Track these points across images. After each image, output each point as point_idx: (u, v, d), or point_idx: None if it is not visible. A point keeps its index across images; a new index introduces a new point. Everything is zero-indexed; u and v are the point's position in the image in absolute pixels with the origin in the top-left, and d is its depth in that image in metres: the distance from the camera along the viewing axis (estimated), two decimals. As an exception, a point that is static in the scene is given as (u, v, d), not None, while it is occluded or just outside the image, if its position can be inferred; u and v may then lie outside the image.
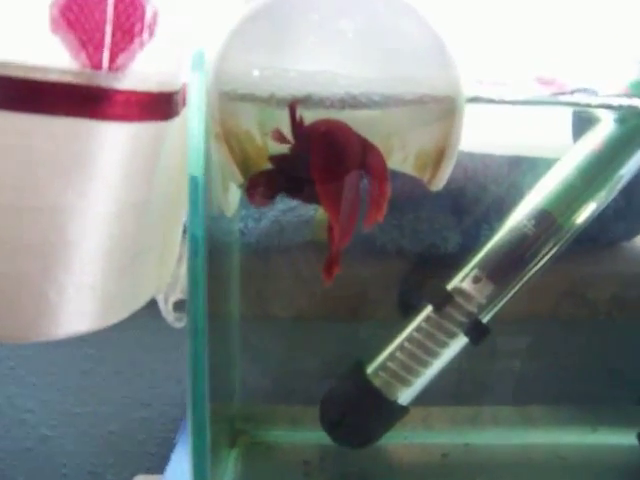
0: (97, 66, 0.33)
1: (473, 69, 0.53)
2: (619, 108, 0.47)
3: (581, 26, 0.57)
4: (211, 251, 0.47)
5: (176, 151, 0.41)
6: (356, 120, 0.42)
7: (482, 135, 0.55)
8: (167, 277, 0.46)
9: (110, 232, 0.37)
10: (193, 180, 0.39)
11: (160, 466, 0.59)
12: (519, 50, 0.56)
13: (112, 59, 0.33)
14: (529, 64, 0.55)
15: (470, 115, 0.49)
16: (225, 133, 0.41)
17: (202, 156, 0.39)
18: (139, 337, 0.70)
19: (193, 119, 0.39)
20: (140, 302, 0.43)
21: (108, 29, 0.32)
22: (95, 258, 0.36)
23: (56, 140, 0.32)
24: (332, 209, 0.39)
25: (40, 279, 0.35)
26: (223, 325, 0.54)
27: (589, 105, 0.48)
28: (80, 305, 0.37)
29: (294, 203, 0.57)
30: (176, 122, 0.40)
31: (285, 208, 0.57)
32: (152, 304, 0.55)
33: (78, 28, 0.31)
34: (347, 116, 0.42)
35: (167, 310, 0.50)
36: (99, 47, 0.32)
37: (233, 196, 0.48)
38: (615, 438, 0.59)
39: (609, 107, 0.48)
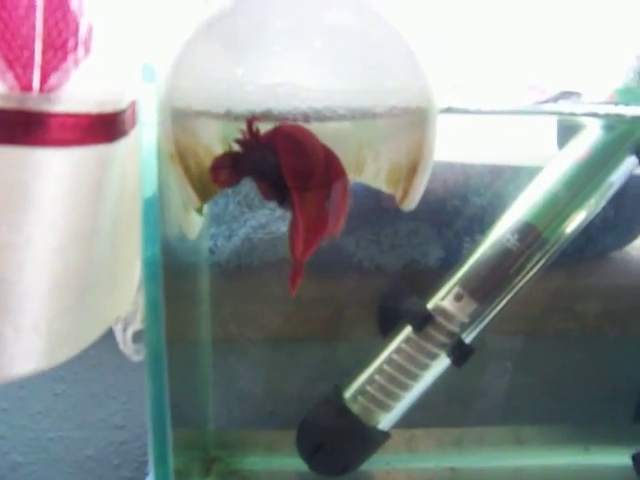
0: (27, 88, 0.30)
1: (459, 75, 0.50)
2: (604, 116, 0.45)
3: (569, 32, 0.54)
4: (175, 272, 0.45)
5: (127, 174, 0.38)
6: (326, 131, 0.40)
7: (462, 144, 0.52)
8: (124, 306, 0.43)
9: (52, 268, 0.34)
10: (146, 201, 0.36)
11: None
12: (506, 56, 0.53)
13: (43, 79, 0.30)
14: (516, 70, 0.52)
15: (449, 123, 0.47)
16: (180, 152, 0.38)
17: (155, 174, 0.36)
18: (112, 358, 0.67)
19: (145, 137, 0.36)
20: (91, 338, 0.40)
21: (38, 46, 0.29)
22: (36, 297, 0.33)
23: (-16, 170, 0.30)
24: (300, 210, 0.36)
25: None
26: (191, 348, 0.52)
27: (571, 114, 0.45)
28: (22, 347, 0.34)
29: (265, 220, 0.54)
30: (126, 143, 0.37)
31: (256, 225, 0.54)
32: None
33: (3, 46, 0.28)
34: (316, 127, 0.39)
35: (125, 341, 0.47)
36: (28, 66, 0.29)
37: (196, 218, 0.46)
38: (608, 458, 0.57)
39: (593, 115, 0.45)
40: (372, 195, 0.53)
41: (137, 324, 0.46)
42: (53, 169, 0.31)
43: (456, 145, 0.52)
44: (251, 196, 0.55)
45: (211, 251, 0.55)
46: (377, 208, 0.53)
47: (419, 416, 0.53)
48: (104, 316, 0.41)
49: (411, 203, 0.38)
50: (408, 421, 0.52)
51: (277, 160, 0.36)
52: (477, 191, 0.55)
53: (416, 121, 0.39)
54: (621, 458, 0.55)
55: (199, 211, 0.39)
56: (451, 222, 0.55)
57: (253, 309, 0.56)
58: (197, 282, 0.53)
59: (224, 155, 0.36)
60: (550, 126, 0.51)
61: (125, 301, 0.42)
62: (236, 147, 0.37)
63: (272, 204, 0.54)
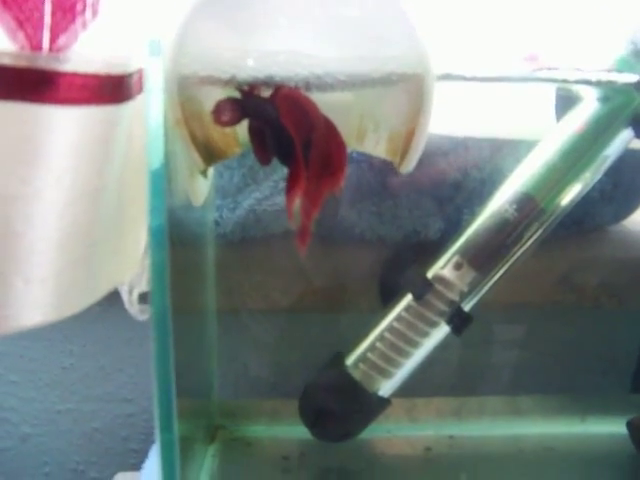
0: (37, 47, 0.31)
1: (457, 48, 0.51)
2: (601, 84, 0.45)
3: (569, 3, 0.55)
4: (181, 242, 0.46)
5: (134, 138, 0.39)
6: (328, 103, 0.41)
7: (462, 117, 0.53)
8: (131, 268, 0.45)
9: (60, 222, 0.35)
10: (152, 170, 0.37)
11: (144, 463, 0.58)
12: (507, 28, 0.54)
13: (53, 40, 0.31)
14: (516, 42, 0.53)
15: (450, 96, 0.48)
16: (186, 117, 0.40)
17: (162, 145, 0.37)
18: (120, 331, 0.68)
19: (151, 106, 0.37)
20: (98, 294, 0.41)
21: (47, 8, 0.31)
22: (44, 249, 0.35)
23: (-4, 125, 0.31)
24: (301, 162, 0.38)
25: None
26: (197, 319, 0.53)
27: (566, 81, 0.46)
28: (30, 298, 0.35)
29: (269, 192, 0.56)
30: (133, 107, 0.38)
31: (261, 197, 0.55)
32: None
33: (14, 8, 0.30)
34: (318, 98, 0.40)
35: (130, 301, 0.48)
36: (38, 27, 0.31)
37: (202, 185, 0.47)
38: (604, 427, 0.58)
39: (589, 83, 0.46)
40: (374, 168, 0.55)
41: (143, 286, 0.47)
42: (62, 126, 0.33)
43: (457, 118, 0.53)
44: (256, 169, 0.56)
45: (216, 223, 0.56)
46: (379, 180, 0.54)
47: (420, 386, 0.54)
48: (111, 274, 0.42)
49: (408, 166, 0.39)
50: (410, 391, 0.53)
51: (277, 113, 0.37)
52: (477, 164, 0.56)
53: (413, 88, 0.40)
54: (617, 427, 0.56)
55: (204, 174, 0.40)
56: (451, 195, 0.56)
57: (257, 280, 0.57)
58: (202, 253, 0.54)
59: (227, 98, 0.37)
60: (549, 99, 0.52)
61: (132, 263, 0.44)
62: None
63: (276, 176, 0.55)
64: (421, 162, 0.50)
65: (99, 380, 0.70)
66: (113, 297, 0.65)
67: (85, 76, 0.33)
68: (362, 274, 0.57)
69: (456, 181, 0.56)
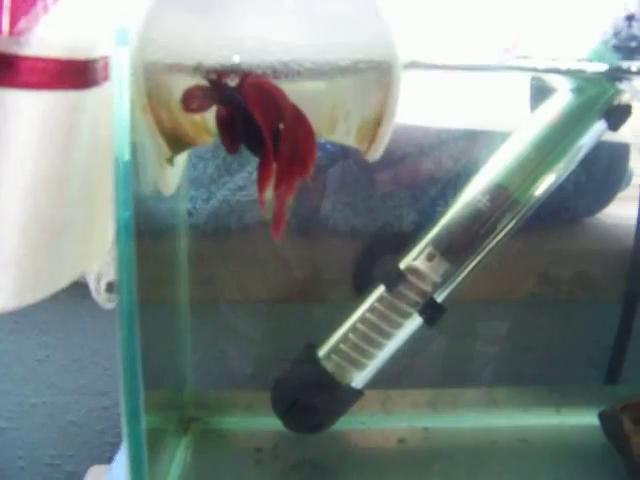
0: (-4, 30, 0.31)
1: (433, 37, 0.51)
2: (572, 72, 0.45)
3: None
4: (152, 233, 0.46)
5: (101, 126, 0.39)
6: (299, 93, 0.41)
7: (436, 108, 0.53)
8: (99, 256, 0.44)
9: (22, 207, 0.34)
10: (118, 160, 0.37)
11: (117, 456, 0.58)
12: (481, 17, 0.54)
13: (13, 23, 0.31)
14: (493, 32, 0.53)
15: (423, 87, 0.48)
16: (153, 105, 0.39)
17: (128, 134, 0.37)
18: (95, 324, 0.68)
19: (117, 95, 0.37)
20: (62, 282, 0.40)
21: (7, -9, 0.30)
22: (6, 235, 0.34)
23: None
24: (271, 149, 0.38)
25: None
26: (168, 310, 0.52)
27: (537, 69, 0.45)
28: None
29: (243, 182, 0.55)
30: (99, 95, 0.38)
31: (234, 187, 0.55)
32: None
33: (-28, -11, 0.29)
34: (289, 88, 0.40)
35: (97, 290, 0.48)
36: (-3, 10, 0.30)
37: (172, 175, 0.46)
38: (579, 419, 0.58)
39: (560, 72, 0.46)
40: (348, 159, 0.55)
41: (110, 276, 0.47)
42: (23, 111, 0.32)
43: (431, 109, 0.53)
44: (229, 160, 0.56)
45: (189, 213, 0.55)
46: (353, 172, 0.54)
47: (395, 378, 0.54)
48: (77, 262, 0.42)
49: (375, 154, 0.39)
50: (384, 383, 0.53)
51: (245, 101, 0.37)
52: (451, 155, 0.56)
53: (381, 75, 0.40)
54: (591, 419, 0.56)
55: (170, 161, 0.40)
56: (425, 186, 0.56)
57: (231, 271, 0.57)
58: (174, 244, 0.54)
59: (195, 86, 0.37)
60: (524, 90, 0.52)
61: (99, 251, 0.43)
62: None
63: (250, 167, 0.55)
64: (394, 153, 0.50)
65: (74, 373, 0.70)
66: (87, 289, 0.65)
67: (46, 60, 0.33)
68: (336, 265, 0.56)
69: (430, 173, 0.55)
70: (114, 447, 0.71)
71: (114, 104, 0.36)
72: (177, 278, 0.54)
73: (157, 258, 0.49)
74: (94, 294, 0.48)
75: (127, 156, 0.37)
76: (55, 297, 0.57)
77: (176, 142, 0.41)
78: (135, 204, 0.38)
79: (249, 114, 0.39)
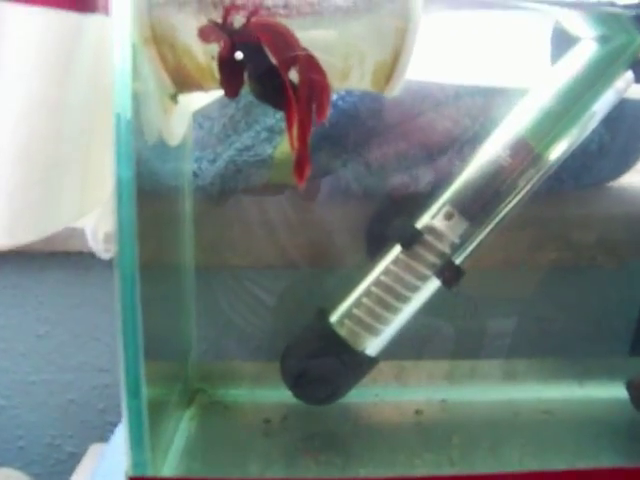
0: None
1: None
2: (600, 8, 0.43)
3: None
4: (155, 194, 0.43)
5: (100, 64, 0.36)
6: (314, 42, 0.39)
7: (453, 64, 0.51)
8: (94, 202, 0.41)
9: (15, 136, 0.32)
10: (118, 116, 0.34)
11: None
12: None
13: None
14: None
15: (440, 43, 0.46)
16: (156, 38, 0.37)
17: (129, 88, 0.34)
18: (97, 298, 0.66)
19: (118, 30, 0.35)
20: (59, 223, 0.38)
21: None
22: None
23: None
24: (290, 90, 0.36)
25: None
26: (172, 277, 0.50)
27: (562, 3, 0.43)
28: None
29: (251, 142, 0.53)
30: (97, 22, 0.35)
31: (241, 147, 0.53)
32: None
33: None
34: (303, 37, 0.38)
35: (95, 239, 0.45)
36: None
37: (177, 123, 0.44)
38: (603, 391, 0.55)
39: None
40: (359, 113, 0.52)
41: (109, 225, 0.44)
42: (18, 27, 0.30)
43: (448, 66, 0.50)
44: (237, 118, 0.53)
45: (195, 174, 0.53)
46: (365, 128, 0.51)
47: (409, 348, 0.51)
48: (74, 205, 0.39)
49: (393, 89, 0.37)
50: (398, 353, 0.50)
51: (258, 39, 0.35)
52: (469, 112, 0.53)
53: (399, 9, 0.38)
54: (617, 391, 0.53)
55: (174, 99, 0.37)
56: (442, 145, 0.54)
57: (238, 235, 0.54)
58: (179, 206, 0.51)
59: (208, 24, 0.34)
60: (544, 43, 0.49)
61: (98, 195, 0.41)
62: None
63: (258, 127, 0.53)
64: (410, 110, 0.48)
65: (75, 349, 0.68)
66: (89, 261, 0.63)
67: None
68: (347, 227, 0.54)
69: (447, 131, 0.53)
70: (115, 427, 0.68)
71: (115, 37, 0.34)
72: (181, 242, 0.52)
73: (160, 221, 0.47)
74: (91, 243, 0.45)
75: (129, 111, 0.35)
76: (56, 268, 0.55)
77: (180, 81, 0.39)
78: (137, 163, 0.35)
79: (264, 59, 0.36)
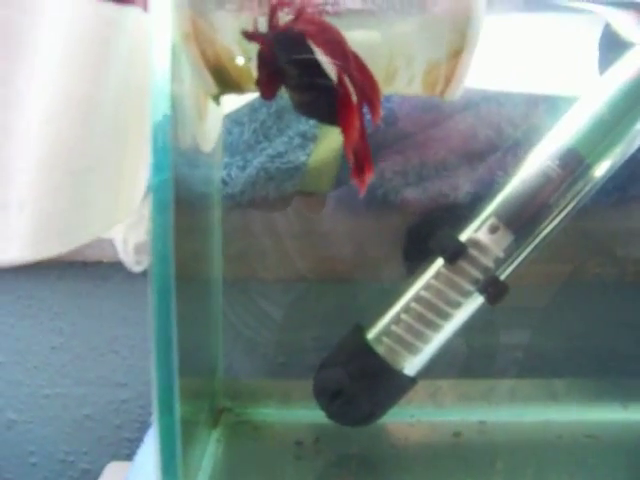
0: None
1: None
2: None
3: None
4: (185, 203, 0.41)
5: (134, 64, 0.34)
6: (354, 43, 0.36)
7: (496, 70, 0.49)
8: (126, 211, 0.39)
9: (42, 136, 0.29)
10: (157, 124, 0.32)
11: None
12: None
13: None
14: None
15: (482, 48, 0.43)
16: (197, 35, 0.35)
17: (168, 94, 0.32)
18: (115, 310, 0.64)
19: (158, 27, 0.33)
20: (85, 235, 0.35)
21: None
22: (22, 168, 0.29)
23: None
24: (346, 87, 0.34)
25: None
26: (201, 289, 0.48)
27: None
28: (4, 227, 0.29)
29: (283, 148, 0.51)
30: (135, 16, 0.33)
31: (273, 154, 0.51)
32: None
33: None
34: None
35: (126, 251, 0.43)
36: None
37: (211, 129, 0.42)
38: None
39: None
40: (397, 120, 0.50)
41: (140, 236, 0.42)
42: (54, 15, 0.27)
43: (491, 71, 0.48)
44: (268, 124, 0.51)
45: (224, 182, 0.51)
46: (403, 135, 0.49)
47: (445, 368, 0.49)
48: (104, 213, 0.36)
49: (454, 93, 0.34)
50: (434, 373, 0.48)
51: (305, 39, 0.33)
52: (512, 121, 0.51)
53: (456, 6, 0.35)
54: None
55: (216, 99, 0.35)
56: (483, 154, 0.51)
57: (268, 246, 0.52)
58: (208, 215, 0.49)
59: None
60: (591, 51, 0.48)
61: (130, 203, 0.38)
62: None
63: (290, 132, 0.50)
64: (450, 117, 0.46)
65: (91, 362, 0.66)
66: (107, 271, 0.61)
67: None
68: (384, 240, 0.52)
69: (488, 139, 0.51)
70: (132, 443, 0.67)
71: (154, 35, 0.32)
72: (209, 253, 0.49)
73: (189, 230, 0.44)
74: (121, 255, 0.43)
75: (167, 114, 0.32)
76: (72, 278, 0.53)
77: (221, 81, 0.37)
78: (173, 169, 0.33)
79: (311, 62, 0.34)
